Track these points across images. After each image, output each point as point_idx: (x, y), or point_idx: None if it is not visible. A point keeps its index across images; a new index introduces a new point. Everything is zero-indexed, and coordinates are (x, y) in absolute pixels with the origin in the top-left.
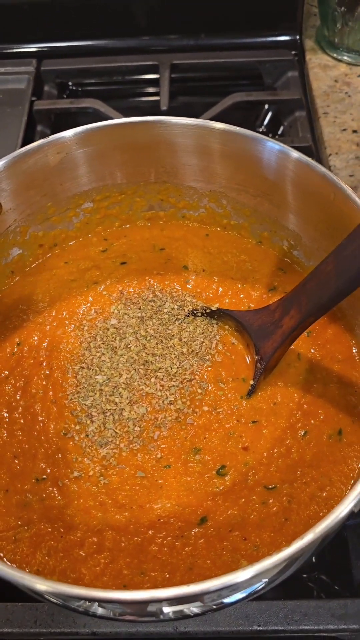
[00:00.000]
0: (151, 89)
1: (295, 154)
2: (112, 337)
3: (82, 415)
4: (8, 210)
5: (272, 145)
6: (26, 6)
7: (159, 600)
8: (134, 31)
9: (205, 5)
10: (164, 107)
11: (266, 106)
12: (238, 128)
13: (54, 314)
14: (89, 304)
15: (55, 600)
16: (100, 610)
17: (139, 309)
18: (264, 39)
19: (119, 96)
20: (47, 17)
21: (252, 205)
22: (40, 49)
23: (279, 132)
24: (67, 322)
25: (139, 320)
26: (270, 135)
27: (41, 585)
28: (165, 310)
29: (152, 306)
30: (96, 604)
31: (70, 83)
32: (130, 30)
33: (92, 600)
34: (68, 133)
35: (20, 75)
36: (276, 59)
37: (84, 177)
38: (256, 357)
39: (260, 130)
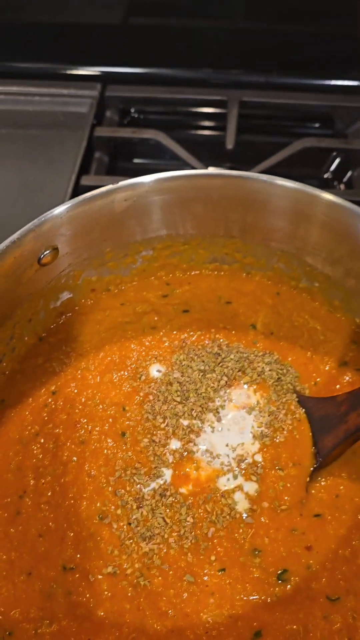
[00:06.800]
0: (213, 123)
1: None
2: (175, 393)
3: (129, 499)
4: (64, 254)
5: None
6: (96, 27)
7: None
8: (202, 62)
9: (279, 43)
10: (229, 146)
11: (334, 152)
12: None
13: (100, 356)
14: (143, 350)
15: None
16: None
17: (202, 362)
18: (338, 82)
19: (180, 127)
20: (115, 41)
21: (325, 272)
22: (105, 73)
23: (345, 180)
24: (115, 370)
25: (201, 373)
26: (336, 182)
27: None
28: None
29: (215, 360)
30: None
31: (132, 110)
32: (199, 61)
33: None
34: (146, 179)
35: (83, 99)
36: (349, 105)
37: (149, 225)
38: (312, 450)
39: (326, 176)
